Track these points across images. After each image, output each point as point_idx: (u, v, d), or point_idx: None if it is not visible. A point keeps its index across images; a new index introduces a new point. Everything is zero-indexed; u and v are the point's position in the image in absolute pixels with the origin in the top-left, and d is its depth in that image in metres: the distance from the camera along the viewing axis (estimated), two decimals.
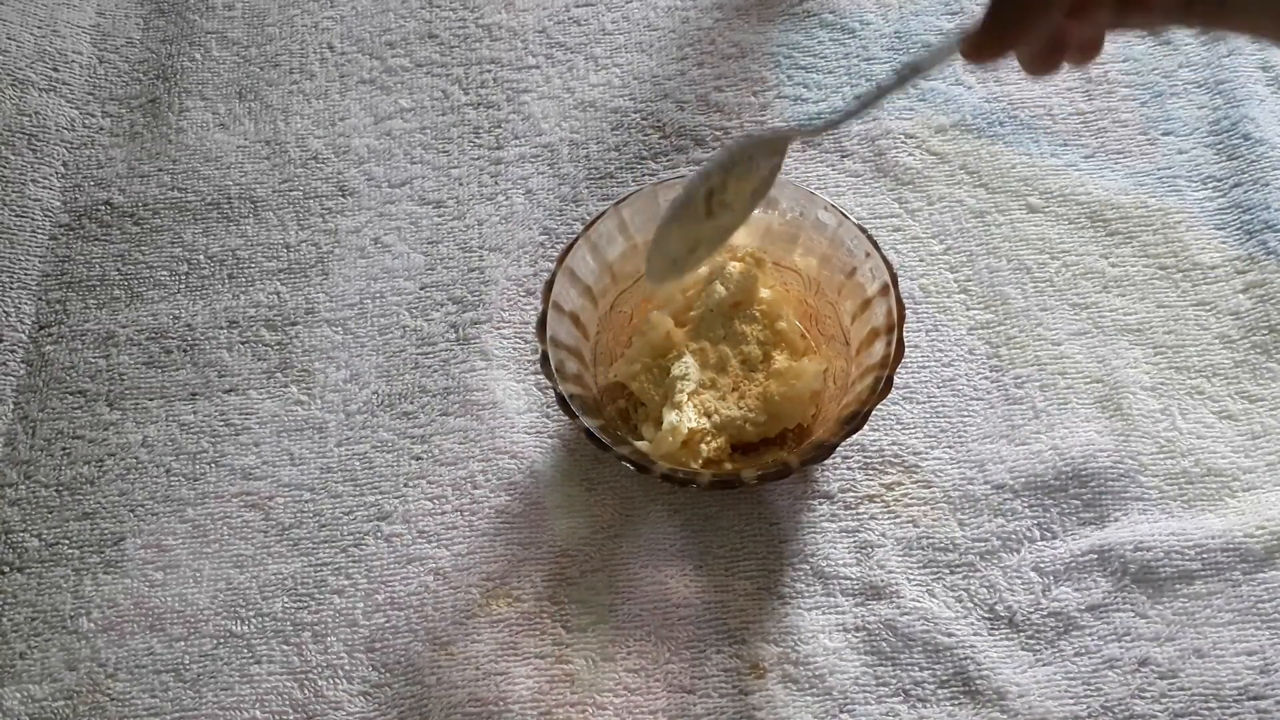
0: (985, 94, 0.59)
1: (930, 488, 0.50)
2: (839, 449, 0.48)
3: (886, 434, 0.51)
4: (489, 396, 0.53)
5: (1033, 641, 0.46)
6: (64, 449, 0.53)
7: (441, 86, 0.62)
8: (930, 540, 0.49)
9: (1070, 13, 0.34)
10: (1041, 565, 0.48)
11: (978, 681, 0.46)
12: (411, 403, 0.53)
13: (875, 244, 0.48)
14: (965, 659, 0.46)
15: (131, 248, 0.58)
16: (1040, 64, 0.36)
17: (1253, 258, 0.54)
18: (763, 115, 0.59)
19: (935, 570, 0.48)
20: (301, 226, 0.58)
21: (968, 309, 0.54)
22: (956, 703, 0.45)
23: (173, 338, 0.56)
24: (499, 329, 0.55)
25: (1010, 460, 0.50)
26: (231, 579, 0.50)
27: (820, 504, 0.50)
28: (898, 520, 0.49)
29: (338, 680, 0.47)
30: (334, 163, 0.60)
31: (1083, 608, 0.47)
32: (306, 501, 0.51)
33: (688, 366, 0.48)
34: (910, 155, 0.58)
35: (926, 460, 0.50)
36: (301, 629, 0.48)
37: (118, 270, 0.58)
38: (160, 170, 0.60)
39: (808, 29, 0.62)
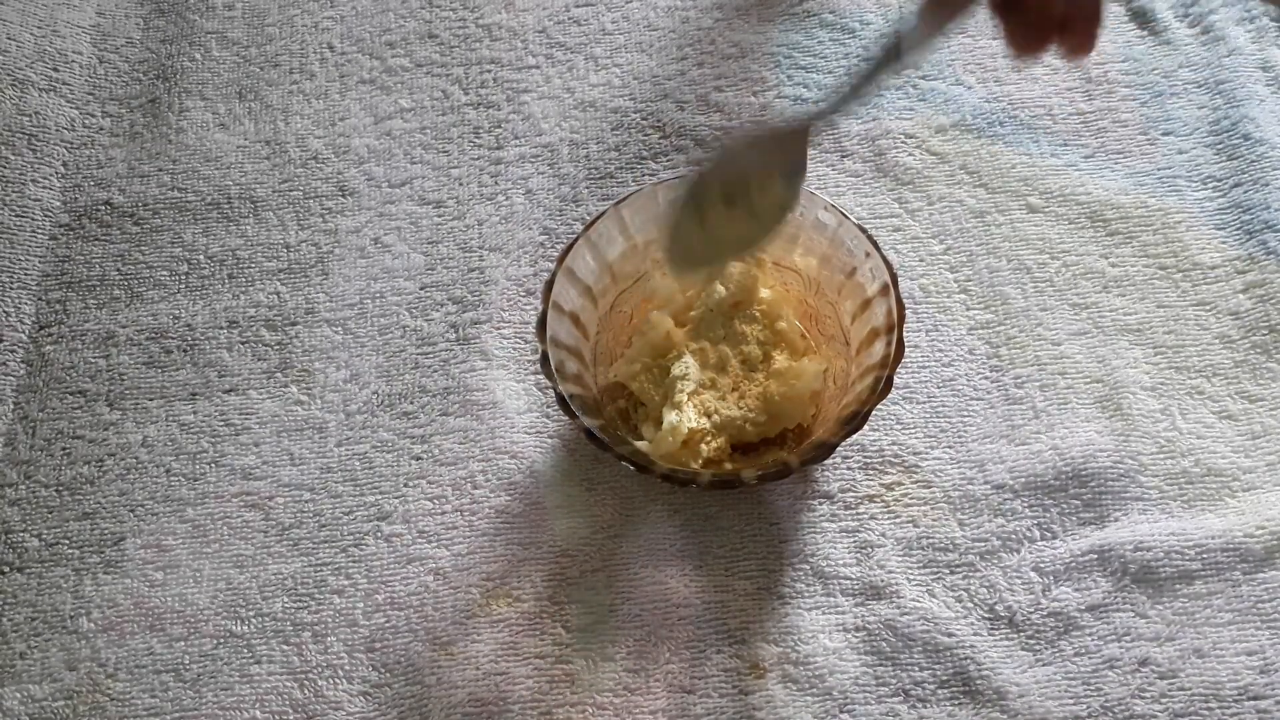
0: (985, 94, 0.59)
1: (930, 488, 0.50)
2: (839, 449, 0.48)
3: (886, 434, 0.51)
4: (489, 396, 0.53)
5: (1033, 641, 0.46)
6: (64, 449, 0.53)
7: (441, 86, 0.62)
8: (930, 540, 0.49)
9: None
10: (1041, 565, 0.48)
11: (978, 681, 0.46)
12: (411, 403, 0.53)
13: (875, 244, 0.48)
14: (965, 659, 0.46)
15: (131, 248, 0.58)
16: (1027, 41, 0.35)
17: (1253, 258, 0.54)
18: (763, 115, 0.59)
19: (935, 570, 0.48)
20: (301, 226, 0.58)
21: (968, 309, 0.54)
22: (956, 703, 0.45)
23: (173, 338, 0.56)
24: (499, 329, 0.55)
25: (1010, 460, 0.50)
26: (231, 579, 0.50)
27: (820, 504, 0.50)
28: (898, 520, 0.49)
29: (338, 680, 0.47)
30: (334, 163, 0.60)
31: (1083, 608, 0.47)
32: (306, 501, 0.51)
33: (688, 366, 0.48)
34: (910, 155, 0.58)
35: (926, 460, 0.50)
36: (301, 629, 0.48)
37: (118, 270, 0.58)
38: (160, 170, 0.60)
39: (808, 29, 0.62)
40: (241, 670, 0.48)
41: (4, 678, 0.48)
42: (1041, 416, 0.51)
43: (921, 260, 0.55)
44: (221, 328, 0.56)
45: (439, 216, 0.58)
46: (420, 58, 0.63)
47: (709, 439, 0.48)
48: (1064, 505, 0.49)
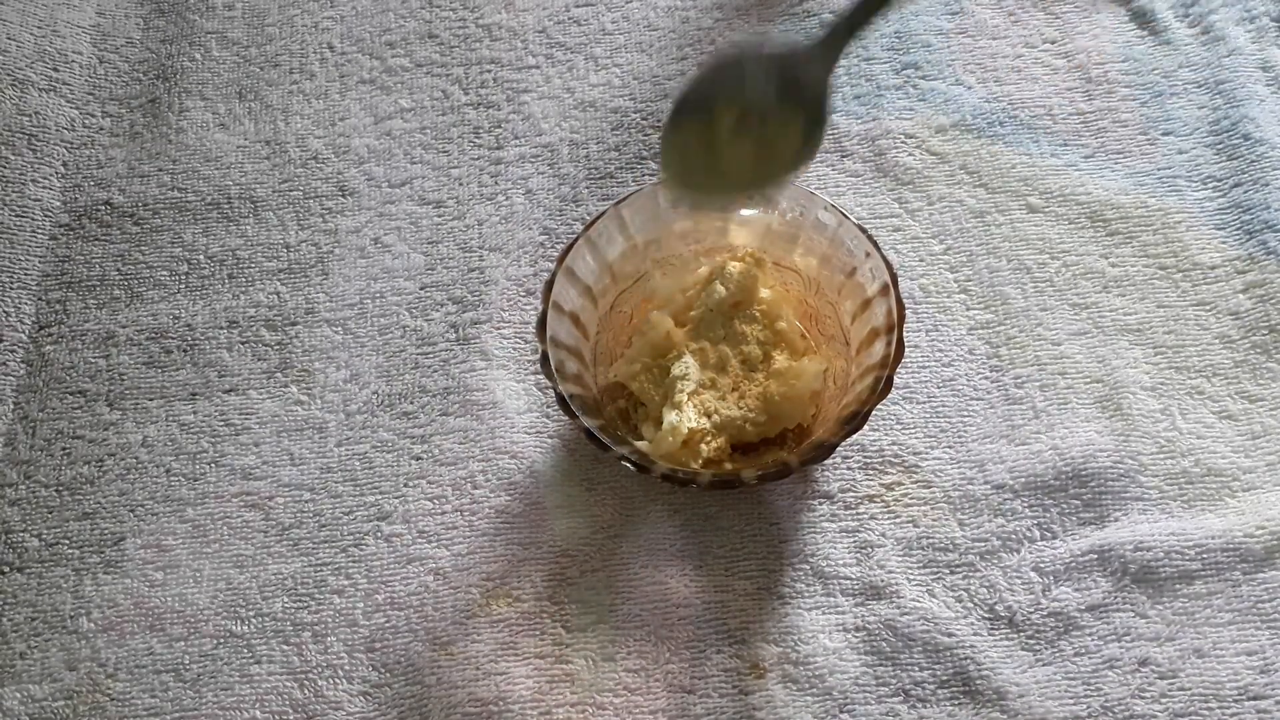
0: (985, 94, 0.59)
1: (930, 488, 0.50)
2: (839, 449, 0.48)
3: (886, 434, 0.51)
4: (489, 396, 0.53)
5: (1033, 641, 0.46)
6: (64, 449, 0.53)
7: (441, 86, 0.62)
8: (930, 540, 0.49)
9: None
10: (1041, 565, 0.48)
11: (978, 681, 0.46)
12: (411, 403, 0.53)
13: (875, 244, 0.48)
14: (965, 659, 0.46)
15: (131, 248, 0.58)
16: None
17: (1253, 258, 0.54)
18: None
19: (935, 570, 0.48)
20: (301, 226, 0.58)
21: (968, 309, 0.54)
22: (956, 703, 0.45)
23: (173, 338, 0.56)
24: (499, 329, 0.55)
25: (1010, 460, 0.50)
26: (231, 579, 0.50)
27: (820, 504, 0.50)
28: (898, 520, 0.49)
29: (338, 680, 0.47)
30: (334, 163, 0.60)
31: (1083, 608, 0.47)
32: (306, 501, 0.51)
33: (688, 366, 0.48)
34: (910, 155, 0.58)
35: (926, 460, 0.50)
36: (301, 629, 0.48)
37: (118, 270, 0.58)
38: (160, 170, 0.60)
39: (808, 29, 0.62)
40: (241, 670, 0.48)
41: (4, 678, 0.48)
42: (1041, 416, 0.51)
43: (921, 260, 0.55)
44: (221, 328, 0.56)
45: (439, 216, 0.58)
46: (420, 58, 0.63)
47: (709, 439, 0.48)
48: (1064, 505, 0.49)
